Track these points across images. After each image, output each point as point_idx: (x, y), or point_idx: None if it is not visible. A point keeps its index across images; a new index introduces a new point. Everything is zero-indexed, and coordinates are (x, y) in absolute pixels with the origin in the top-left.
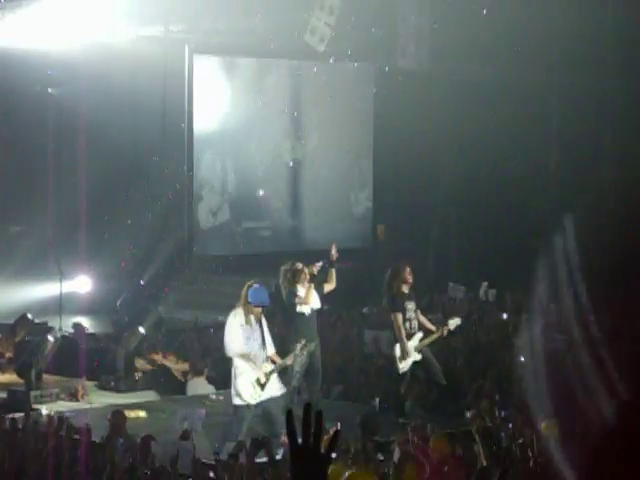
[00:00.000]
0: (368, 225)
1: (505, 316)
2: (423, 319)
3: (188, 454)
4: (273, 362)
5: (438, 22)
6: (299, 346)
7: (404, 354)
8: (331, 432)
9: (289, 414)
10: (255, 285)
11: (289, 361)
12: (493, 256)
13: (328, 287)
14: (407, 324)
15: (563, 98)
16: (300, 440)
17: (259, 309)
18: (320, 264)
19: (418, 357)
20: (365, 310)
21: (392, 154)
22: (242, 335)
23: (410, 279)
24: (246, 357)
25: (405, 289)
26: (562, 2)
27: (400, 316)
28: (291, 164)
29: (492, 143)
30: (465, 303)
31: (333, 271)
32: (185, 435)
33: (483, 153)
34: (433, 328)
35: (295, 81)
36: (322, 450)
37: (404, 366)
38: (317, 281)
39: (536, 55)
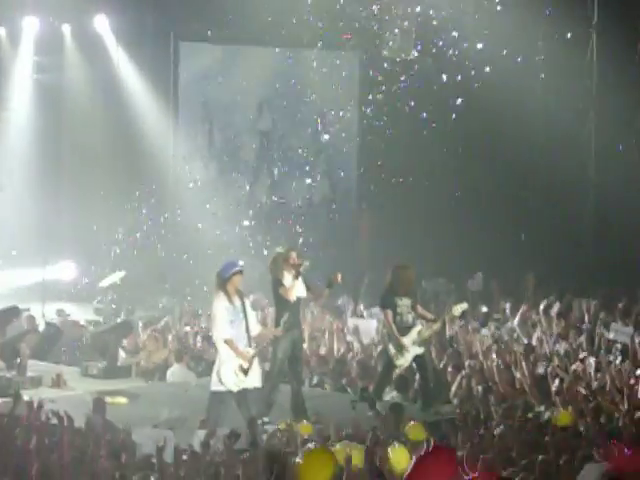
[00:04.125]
0: (350, 213)
1: (485, 309)
2: (422, 311)
3: (169, 442)
4: (257, 344)
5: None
6: (282, 320)
7: (399, 350)
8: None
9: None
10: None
11: (277, 333)
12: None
13: (314, 297)
14: (399, 319)
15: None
16: None
17: (239, 289)
18: (307, 264)
19: (420, 350)
20: (340, 301)
21: (379, 142)
22: (227, 319)
23: (404, 277)
24: (230, 342)
25: (397, 286)
26: None
27: (390, 313)
28: (278, 150)
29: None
30: (446, 296)
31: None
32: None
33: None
34: (432, 318)
35: (282, 67)
36: None
37: (403, 362)
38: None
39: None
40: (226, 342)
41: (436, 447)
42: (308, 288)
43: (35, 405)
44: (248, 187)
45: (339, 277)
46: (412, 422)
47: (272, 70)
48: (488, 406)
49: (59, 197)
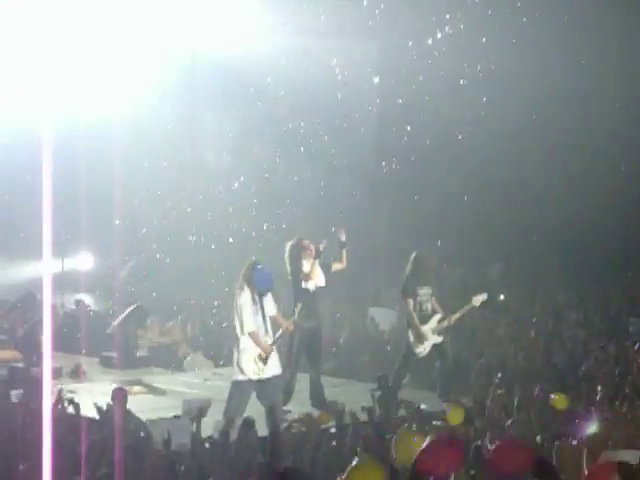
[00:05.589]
0: (368, 202)
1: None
2: (436, 305)
3: (184, 432)
4: (275, 328)
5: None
6: (297, 310)
7: (419, 338)
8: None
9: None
10: (259, 266)
11: (290, 327)
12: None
13: (338, 266)
14: (419, 307)
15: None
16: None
17: None
18: (325, 242)
19: (439, 339)
20: (360, 289)
21: (398, 131)
22: (252, 311)
23: (425, 265)
24: (255, 335)
25: (418, 274)
26: None
27: (411, 301)
28: (295, 144)
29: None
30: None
31: (344, 252)
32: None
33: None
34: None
35: (296, 59)
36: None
37: (421, 350)
38: (322, 260)
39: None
40: (251, 335)
41: (443, 435)
42: (328, 267)
43: (54, 396)
44: (266, 176)
45: (343, 233)
46: (452, 406)
47: (291, 60)
48: (508, 394)
49: (77, 188)
